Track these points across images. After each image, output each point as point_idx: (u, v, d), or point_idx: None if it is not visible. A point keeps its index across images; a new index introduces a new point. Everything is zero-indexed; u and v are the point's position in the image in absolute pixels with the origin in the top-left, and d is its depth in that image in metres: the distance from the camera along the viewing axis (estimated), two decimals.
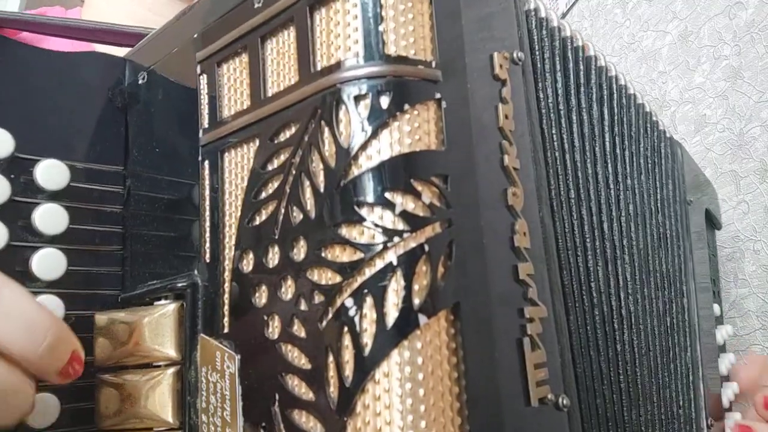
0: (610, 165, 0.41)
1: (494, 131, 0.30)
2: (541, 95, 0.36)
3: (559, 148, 0.37)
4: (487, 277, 0.27)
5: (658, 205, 0.48)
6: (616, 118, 0.43)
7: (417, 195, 0.25)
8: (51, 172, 0.35)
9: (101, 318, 0.34)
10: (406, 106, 0.26)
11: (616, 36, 0.86)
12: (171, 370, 0.31)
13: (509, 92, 0.31)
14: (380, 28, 0.27)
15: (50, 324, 0.28)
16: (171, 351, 0.31)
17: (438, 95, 0.27)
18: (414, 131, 0.26)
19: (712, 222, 0.63)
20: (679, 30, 0.76)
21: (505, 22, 0.33)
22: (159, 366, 0.32)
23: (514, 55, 0.33)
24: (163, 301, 0.33)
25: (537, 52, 0.37)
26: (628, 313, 0.39)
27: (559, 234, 0.34)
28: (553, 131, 0.36)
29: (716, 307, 0.58)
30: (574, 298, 0.34)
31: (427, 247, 0.25)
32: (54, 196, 0.35)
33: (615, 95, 0.44)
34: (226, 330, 0.30)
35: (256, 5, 0.31)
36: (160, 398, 0.31)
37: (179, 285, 0.32)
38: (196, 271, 0.32)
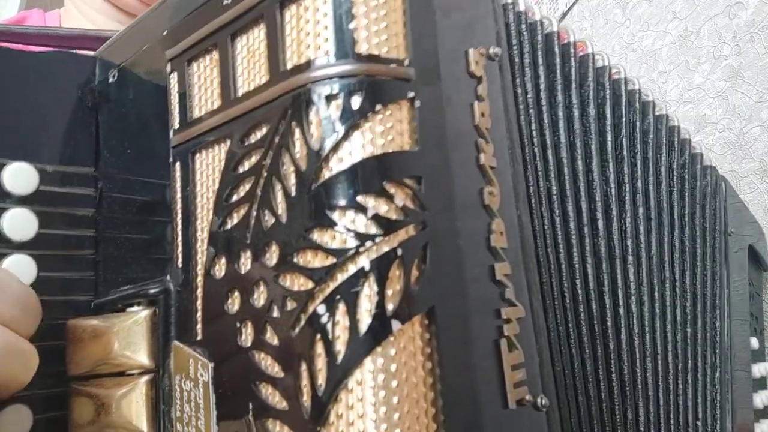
0: (611, 165, 0.40)
1: (470, 129, 0.29)
2: (519, 91, 0.35)
3: (539, 144, 0.36)
4: (464, 279, 0.27)
5: (684, 220, 0.47)
6: (624, 119, 0.42)
7: (390, 198, 0.25)
8: (19, 176, 0.34)
9: (73, 325, 0.33)
10: (378, 106, 0.25)
11: (616, 36, 0.86)
12: (144, 379, 0.30)
13: (485, 89, 0.31)
14: (351, 26, 0.26)
15: (37, 302, 0.31)
16: (144, 359, 0.31)
17: (411, 94, 0.26)
18: (387, 131, 0.25)
19: (758, 261, 0.62)
20: (679, 30, 0.76)
21: (481, 18, 0.33)
22: (132, 374, 0.31)
23: (490, 51, 0.32)
24: (135, 308, 0.32)
25: (515, 47, 0.36)
26: (627, 312, 0.39)
27: (538, 231, 0.33)
28: (533, 127, 0.36)
29: (754, 341, 0.58)
30: (553, 295, 0.33)
31: (400, 251, 0.24)
32: (22, 201, 0.34)
33: (623, 97, 0.43)
34: (199, 337, 0.29)
35: (225, 2, 0.30)
36: (134, 407, 0.30)
37: (151, 291, 0.31)
38: (168, 277, 0.31)
